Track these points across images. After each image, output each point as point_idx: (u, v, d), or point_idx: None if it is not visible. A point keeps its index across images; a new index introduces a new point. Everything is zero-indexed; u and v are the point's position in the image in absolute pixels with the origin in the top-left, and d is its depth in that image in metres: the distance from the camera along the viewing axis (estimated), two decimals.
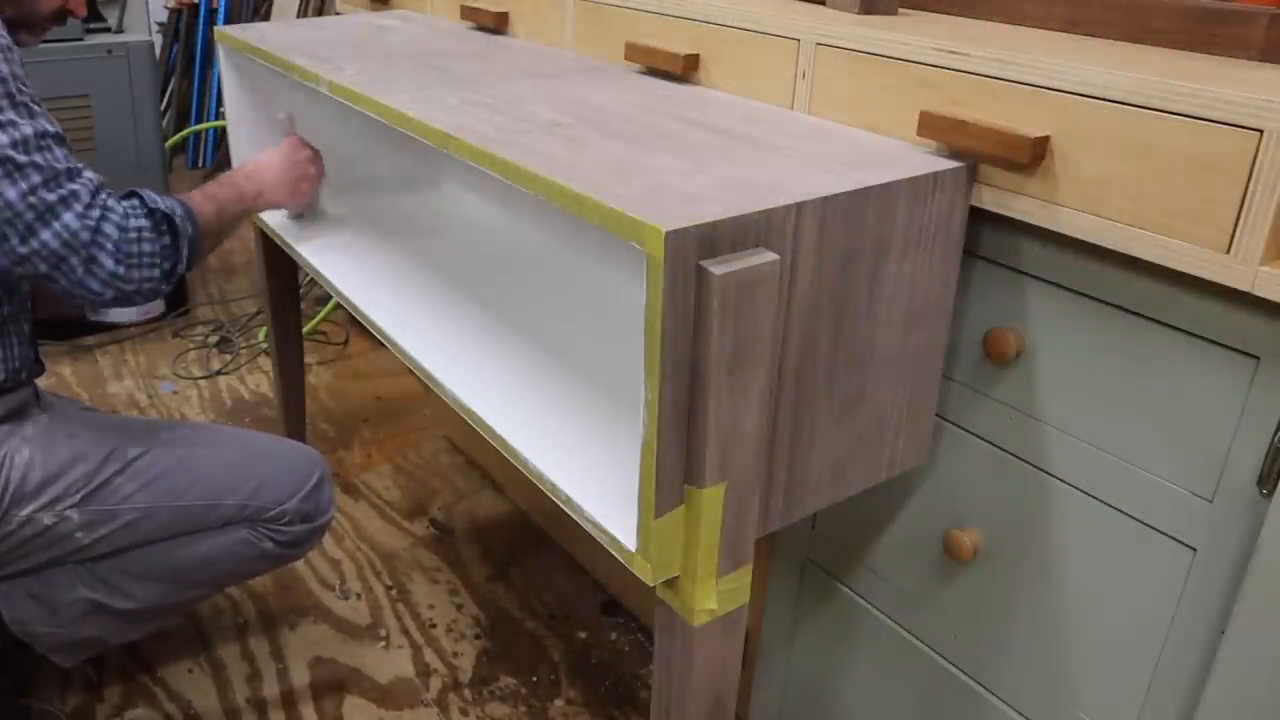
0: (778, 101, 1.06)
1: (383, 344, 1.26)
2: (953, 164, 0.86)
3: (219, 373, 2.46)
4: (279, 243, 1.49)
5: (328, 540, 1.86)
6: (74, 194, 1.04)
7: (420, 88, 1.11)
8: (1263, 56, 0.85)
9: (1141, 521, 0.85)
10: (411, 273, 1.34)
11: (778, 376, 0.80)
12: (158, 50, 3.22)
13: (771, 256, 0.72)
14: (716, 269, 0.69)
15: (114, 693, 1.50)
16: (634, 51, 1.20)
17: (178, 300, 2.72)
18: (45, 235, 1.03)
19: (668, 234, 0.67)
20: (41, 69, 2.25)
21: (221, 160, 3.77)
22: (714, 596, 0.79)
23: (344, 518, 1.93)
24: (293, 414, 1.91)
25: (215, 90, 3.81)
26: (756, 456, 0.77)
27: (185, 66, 3.87)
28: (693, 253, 0.69)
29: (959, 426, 0.99)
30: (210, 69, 3.83)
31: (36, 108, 1.06)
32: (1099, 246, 0.81)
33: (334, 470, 2.03)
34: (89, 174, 1.08)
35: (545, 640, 1.64)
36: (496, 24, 1.48)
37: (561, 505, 0.88)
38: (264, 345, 2.57)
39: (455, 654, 1.61)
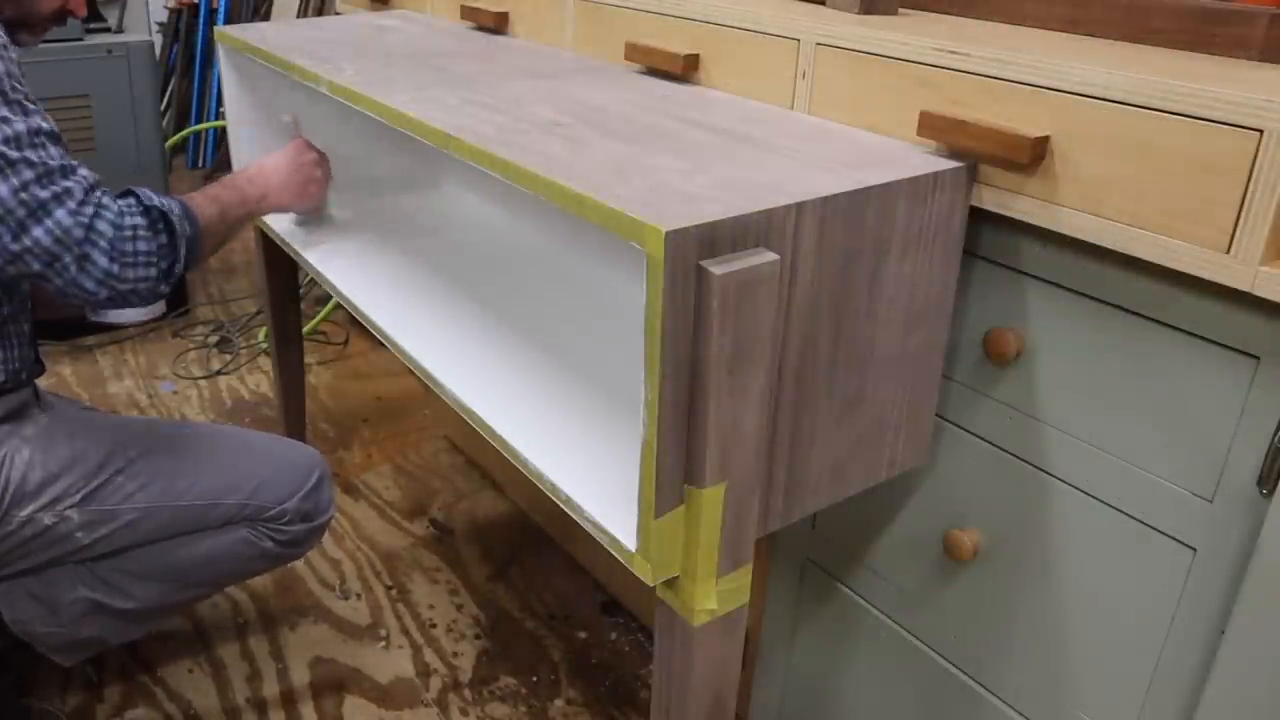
0: (778, 101, 1.06)
1: (383, 344, 1.26)
2: (953, 164, 0.86)
3: (219, 373, 2.46)
4: (279, 243, 1.49)
5: (328, 540, 1.86)
6: (67, 191, 1.03)
7: (420, 88, 1.11)
8: (1263, 56, 0.85)
9: (1141, 521, 0.85)
10: (411, 273, 1.34)
11: (778, 376, 0.80)
12: (158, 50, 3.22)
13: (771, 256, 0.72)
14: (716, 269, 0.69)
15: (114, 693, 1.50)
16: (634, 51, 1.20)
17: (178, 300, 2.72)
18: (37, 232, 1.02)
19: (668, 234, 0.67)
20: (41, 69, 2.25)
21: (221, 160, 3.77)
22: (714, 596, 0.79)
23: (344, 518, 1.93)
24: (293, 414, 1.91)
25: (215, 90, 3.81)
26: (756, 456, 0.77)
27: (185, 66, 3.87)
28: (693, 253, 0.69)
29: (959, 426, 0.99)
30: (210, 69, 3.83)
31: (31, 105, 1.05)
32: (1099, 246, 0.81)
33: (334, 470, 2.03)
34: (84, 171, 1.07)
35: (545, 640, 1.64)
36: (496, 24, 1.48)
37: (561, 505, 0.88)
38: (264, 345, 2.57)
39: (455, 654, 1.61)
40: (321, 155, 1.42)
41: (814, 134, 0.96)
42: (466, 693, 1.53)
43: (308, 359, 2.40)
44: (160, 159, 2.56)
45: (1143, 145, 0.76)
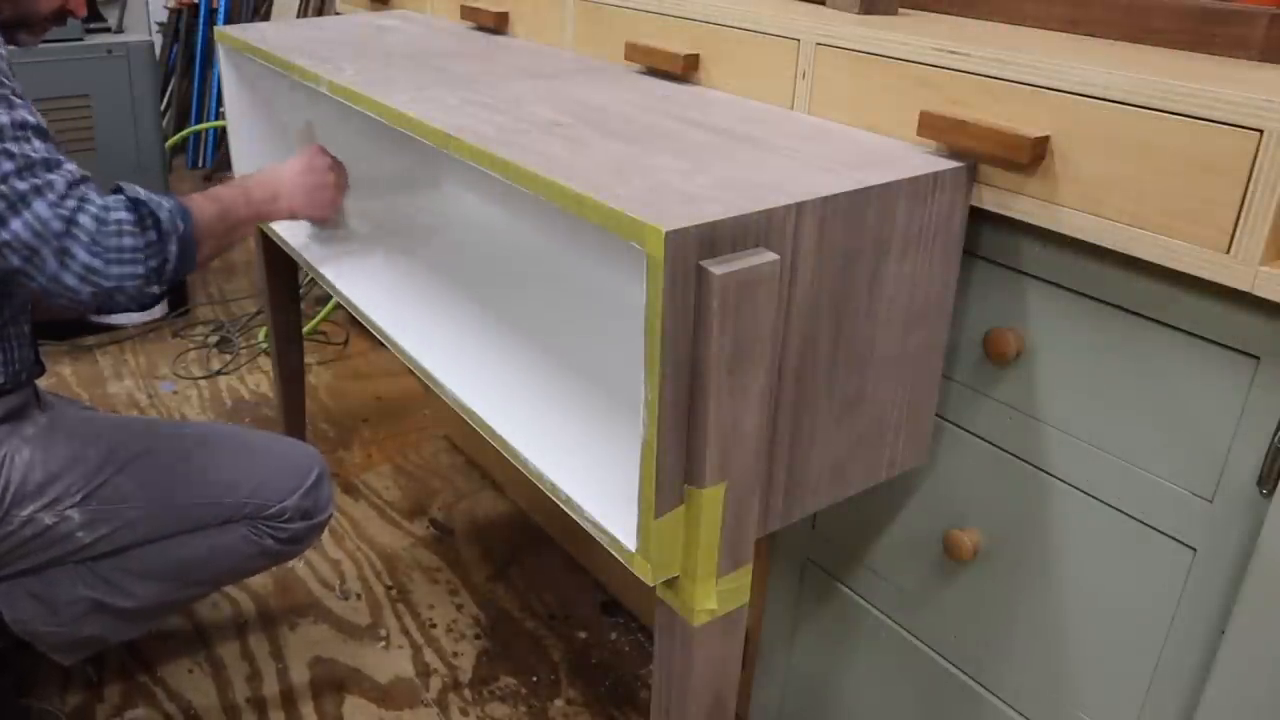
0: (778, 101, 1.06)
1: (383, 344, 1.26)
2: (953, 164, 0.86)
3: (219, 373, 2.46)
4: (279, 243, 1.49)
5: (328, 540, 1.86)
6: (49, 184, 1.01)
7: (420, 88, 1.11)
8: (1263, 56, 0.85)
9: (1141, 521, 0.85)
10: (411, 273, 1.34)
11: (778, 376, 0.80)
12: (158, 50, 3.22)
13: (771, 256, 0.72)
14: (716, 269, 0.69)
15: (114, 692, 1.50)
16: (634, 51, 1.20)
17: (178, 300, 2.73)
18: (15, 225, 0.99)
19: (668, 234, 0.67)
20: (41, 69, 2.25)
21: (221, 160, 3.77)
22: (714, 596, 0.79)
23: (344, 518, 1.93)
24: (293, 414, 1.91)
25: (215, 90, 3.81)
26: (756, 456, 0.77)
27: (185, 66, 3.87)
28: (693, 253, 0.69)
29: (959, 426, 0.99)
30: (210, 69, 3.82)
31: (18, 100, 1.04)
32: (1099, 246, 0.81)
33: (334, 470, 2.04)
34: (70, 166, 1.04)
35: (545, 640, 1.64)
36: (496, 24, 1.48)
37: (561, 505, 0.88)
38: (264, 345, 2.57)
39: (455, 654, 1.61)
40: (336, 162, 1.38)
41: (814, 134, 0.96)
42: (466, 693, 1.53)
43: (308, 359, 2.40)
44: (160, 159, 2.56)
45: (1143, 145, 0.76)
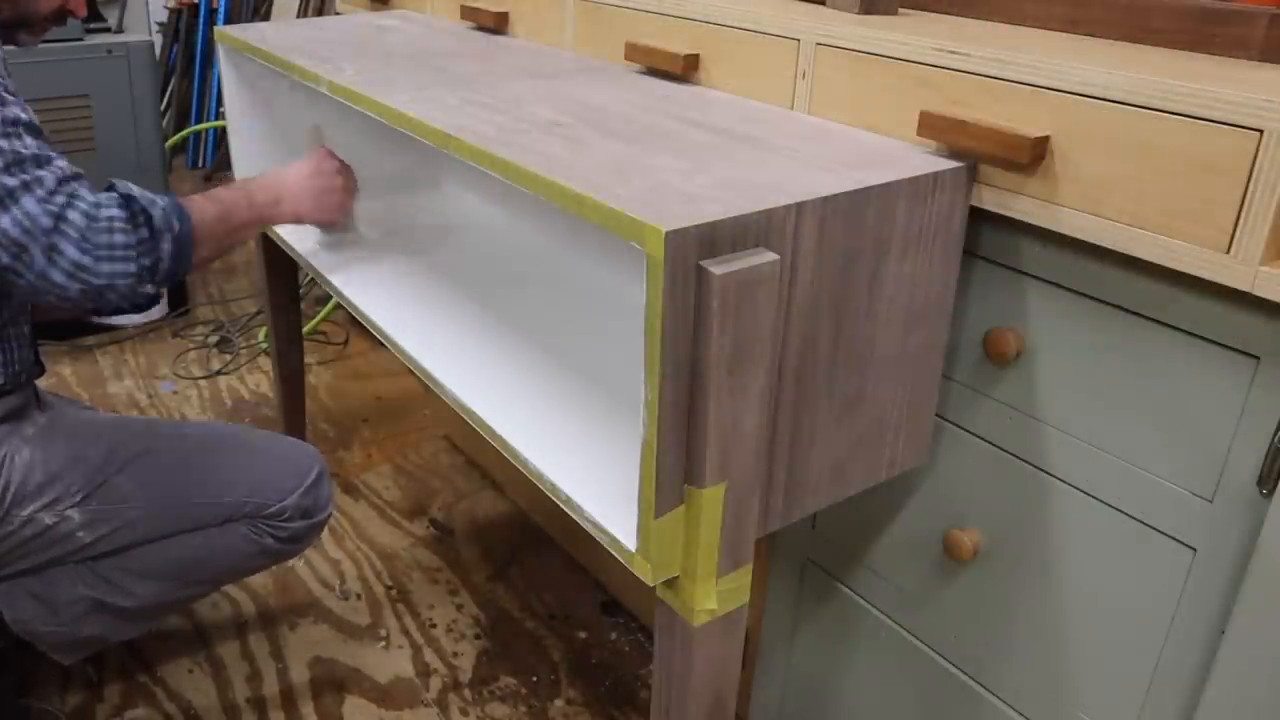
0: (778, 101, 1.06)
1: (383, 344, 1.26)
2: (953, 164, 0.86)
3: (219, 373, 2.46)
4: (279, 243, 1.49)
5: (328, 540, 1.86)
6: (38, 180, 1.00)
7: (420, 88, 1.11)
8: (1263, 56, 0.85)
9: (1141, 521, 0.85)
10: (411, 273, 1.34)
11: (778, 376, 0.80)
12: (158, 50, 3.22)
13: (771, 256, 0.72)
14: (716, 269, 0.69)
15: (114, 692, 1.50)
16: (634, 51, 1.20)
17: (178, 300, 2.73)
18: (4, 221, 0.98)
19: (668, 234, 0.67)
20: (41, 69, 2.25)
21: (221, 160, 3.77)
22: (714, 596, 0.79)
23: (344, 518, 1.93)
24: (293, 414, 1.91)
25: (215, 90, 3.81)
26: (756, 456, 0.77)
27: (185, 66, 3.87)
28: (693, 253, 0.69)
29: (959, 426, 0.99)
30: (210, 69, 3.82)
31: (10, 97, 1.03)
32: (1099, 246, 0.81)
33: (334, 470, 2.04)
34: (61, 163, 1.03)
35: (545, 640, 1.64)
36: (496, 24, 1.48)
37: (561, 505, 0.88)
38: (264, 345, 2.57)
39: (455, 654, 1.61)
40: (344, 166, 1.36)
41: (814, 134, 0.96)
42: (466, 693, 1.53)
43: (308, 359, 2.39)
44: (160, 159, 2.56)
45: (1143, 145, 0.76)
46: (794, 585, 1.23)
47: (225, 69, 1.55)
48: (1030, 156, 0.82)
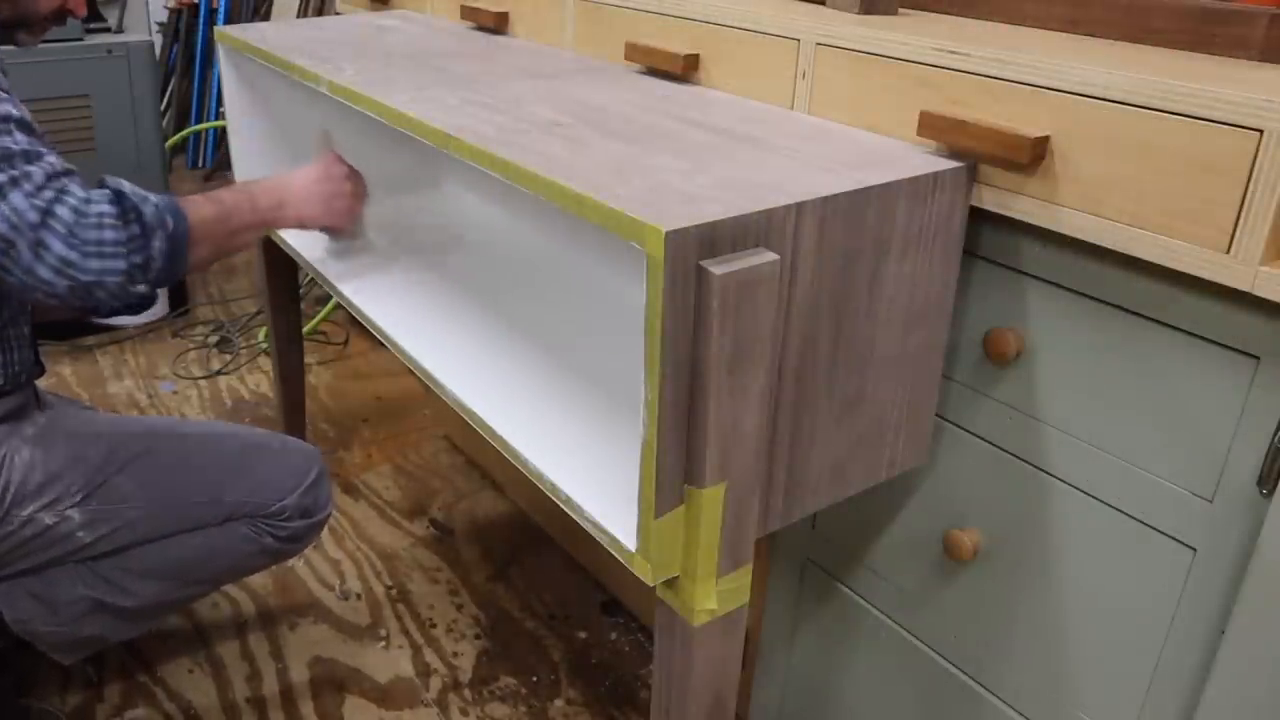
0: (778, 101, 1.06)
1: (383, 344, 1.26)
2: (953, 164, 0.86)
3: (219, 373, 2.46)
4: (279, 243, 1.49)
5: (328, 540, 1.86)
6: (26, 175, 0.99)
7: (420, 88, 1.11)
8: (1263, 56, 0.85)
9: (1141, 521, 0.85)
10: (411, 273, 1.34)
11: (778, 376, 0.80)
12: (158, 50, 3.22)
13: (771, 256, 0.72)
14: (716, 269, 0.69)
15: (114, 692, 1.50)
16: (634, 51, 1.20)
17: (178, 300, 2.73)
18: None
19: (668, 234, 0.67)
20: (41, 69, 2.25)
21: (221, 160, 3.77)
22: (714, 596, 0.79)
23: (344, 518, 1.93)
24: (292, 414, 1.91)
25: (215, 90, 3.81)
26: (756, 456, 0.77)
27: (185, 66, 3.87)
28: (693, 253, 0.69)
29: (959, 426, 0.99)
30: (210, 69, 3.82)
31: (2, 94, 1.03)
32: (1099, 246, 0.81)
33: (334, 470, 2.04)
34: (52, 159, 1.02)
35: (545, 640, 1.64)
36: (496, 24, 1.48)
37: (561, 505, 0.88)
38: (264, 345, 2.57)
39: (455, 654, 1.61)
40: (354, 171, 1.33)
41: (814, 134, 0.96)
42: (466, 693, 1.53)
43: (308, 359, 2.39)
44: (160, 159, 2.56)
45: (1143, 145, 0.76)
46: (794, 585, 1.23)
47: (225, 69, 1.55)
48: (1030, 156, 0.82)
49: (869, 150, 0.90)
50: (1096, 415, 0.87)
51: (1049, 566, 0.94)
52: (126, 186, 1.04)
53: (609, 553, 0.83)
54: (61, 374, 2.40)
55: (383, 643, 1.63)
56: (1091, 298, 0.85)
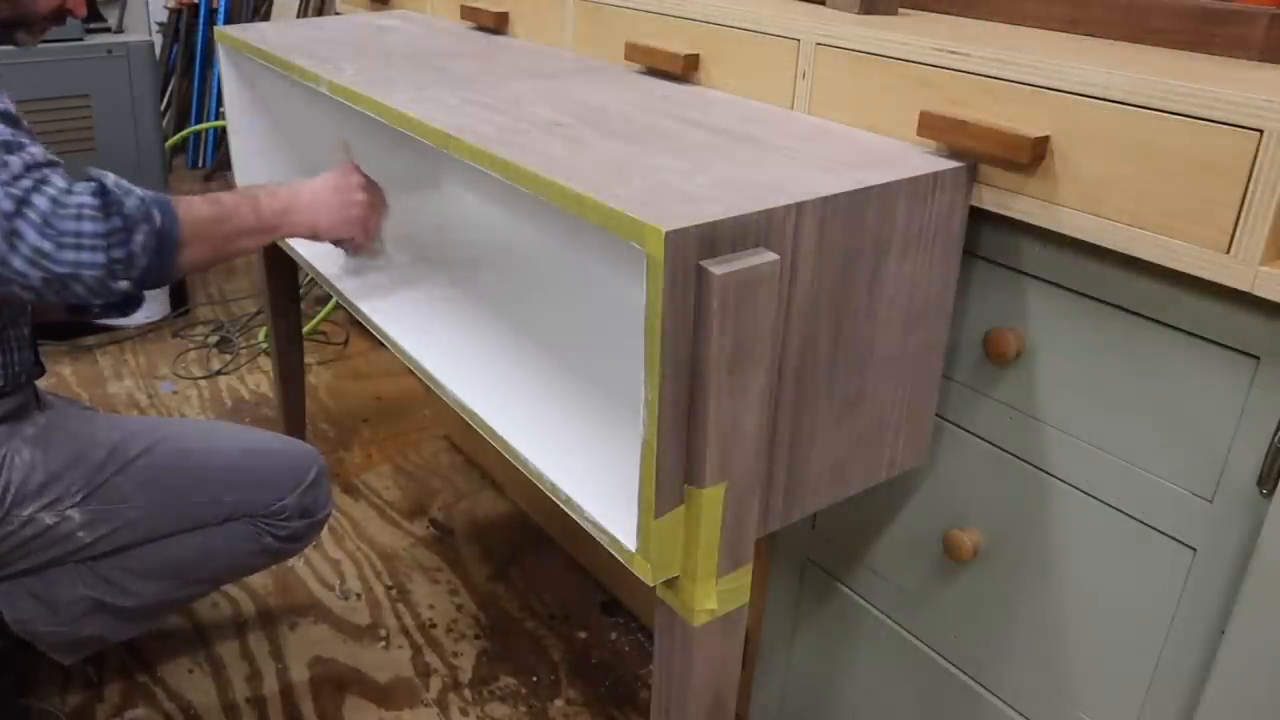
0: (778, 101, 1.06)
1: (383, 344, 1.26)
2: (953, 164, 0.86)
3: (219, 373, 2.46)
4: (279, 243, 1.49)
5: (328, 540, 1.86)
6: (4, 164, 0.96)
7: (420, 88, 1.11)
8: (1263, 56, 0.85)
9: (1141, 521, 0.85)
10: (411, 273, 1.34)
11: (778, 376, 0.80)
12: (158, 50, 3.22)
13: (771, 256, 0.72)
14: (716, 269, 0.69)
15: (114, 692, 1.50)
16: (634, 51, 1.20)
17: (178, 300, 2.73)
18: None
19: (668, 234, 0.67)
20: (41, 69, 2.25)
21: (221, 160, 3.77)
22: (714, 596, 0.79)
23: (344, 518, 1.93)
24: (292, 414, 1.91)
25: (215, 90, 3.81)
26: (756, 456, 0.77)
27: (185, 66, 3.87)
28: (693, 253, 0.69)
29: (959, 426, 0.99)
30: (210, 69, 3.82)
31: None
32: (1099, 246, 0.81)
33: (334, 470, 2.04)
34: (34, 149, 1.00)
35: (545, 640, 1.64)
36: (496, 24, 1.48)
37: (561, 505, 0.88)
38: (264, 345, 2.57)
39: (455, 654, 1.61)
40: (371, 183, 1.28)
41: (814, 134, 0.96)
42: (466, 693, 1.53)
43: (308, 359, 2.40)
44: (160, 159, 2.56)
45: (1143, 145, 0.76)
46: (794, 585, 1.23)
47: (225, 69, 1.55)
48: (1030, 156, 0.82)
49: (869, 150, 0.90)
50: (1096, 415, 0.87)
51: (1049, 566, 0.94)
52: (110, 179, 1.01)
53: (609, 553, 0.83)
54: (61, 374, 2.40)
55: (383, 643, 1.63)
56: (1091, 298, 0.85)
